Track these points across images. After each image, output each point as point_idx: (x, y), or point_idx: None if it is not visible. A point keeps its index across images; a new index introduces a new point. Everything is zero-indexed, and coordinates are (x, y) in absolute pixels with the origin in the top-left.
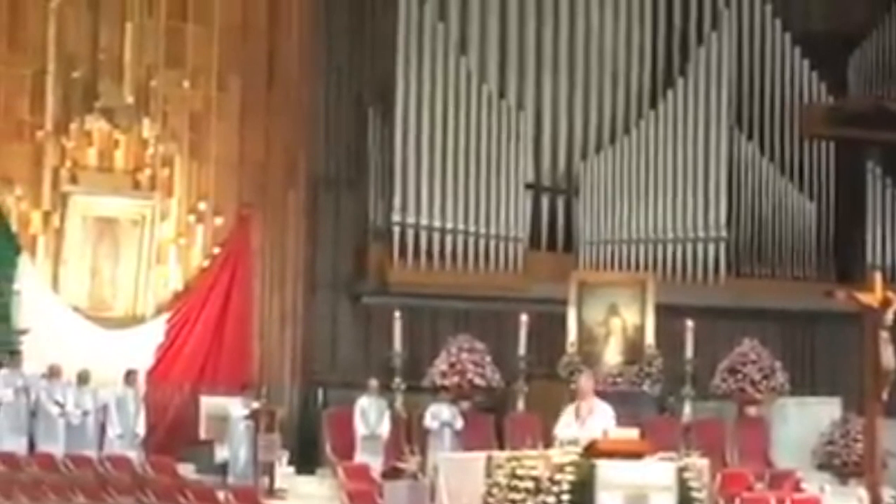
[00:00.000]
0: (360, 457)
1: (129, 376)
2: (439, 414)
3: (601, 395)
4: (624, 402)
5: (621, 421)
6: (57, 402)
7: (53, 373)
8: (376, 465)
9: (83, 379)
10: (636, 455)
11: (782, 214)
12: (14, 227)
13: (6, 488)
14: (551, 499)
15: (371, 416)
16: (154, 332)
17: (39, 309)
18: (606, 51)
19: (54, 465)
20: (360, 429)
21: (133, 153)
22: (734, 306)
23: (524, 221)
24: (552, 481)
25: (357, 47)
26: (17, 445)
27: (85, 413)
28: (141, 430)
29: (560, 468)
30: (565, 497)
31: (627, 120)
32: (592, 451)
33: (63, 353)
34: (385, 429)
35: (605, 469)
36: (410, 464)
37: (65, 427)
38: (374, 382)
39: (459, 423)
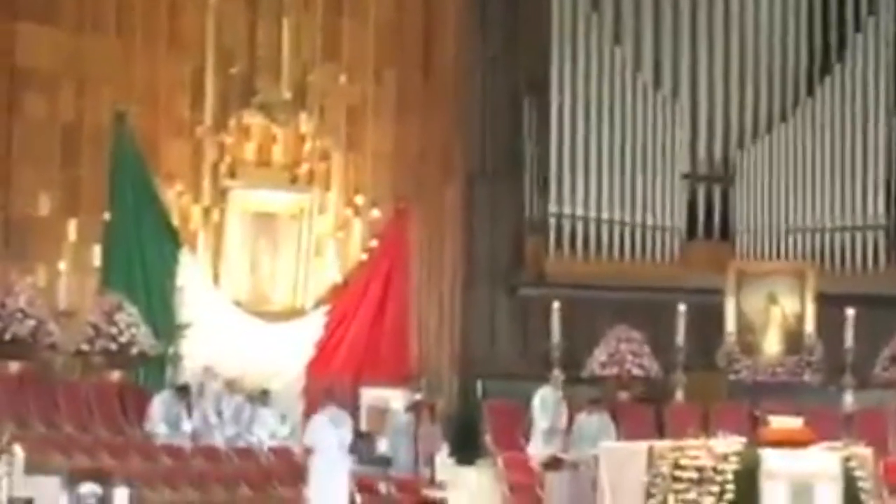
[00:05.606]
0: (536, 448)
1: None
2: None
3: (762, 385)
4: (785, 392)
5: (784, 410)
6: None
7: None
8: None
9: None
10: (800, 444)
11: None
12: (175, 223)
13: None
14: (715, 488)
15: (550, 407)
16: (313, 325)
17: (201, 304)
18: (762, 38)
19: (217, 456)
20: (541, 421)
21: (291, 148)
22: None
23: (681, 211)
24: (716, 471)
25: (511, 39)
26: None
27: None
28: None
29: (724, 457)
30: (729, 486)
31: (784, 107)
32: (756, 440)
33: (224, 348)
34: (564, 421)
35: (770, 458)
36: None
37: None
38: (556, 373)
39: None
